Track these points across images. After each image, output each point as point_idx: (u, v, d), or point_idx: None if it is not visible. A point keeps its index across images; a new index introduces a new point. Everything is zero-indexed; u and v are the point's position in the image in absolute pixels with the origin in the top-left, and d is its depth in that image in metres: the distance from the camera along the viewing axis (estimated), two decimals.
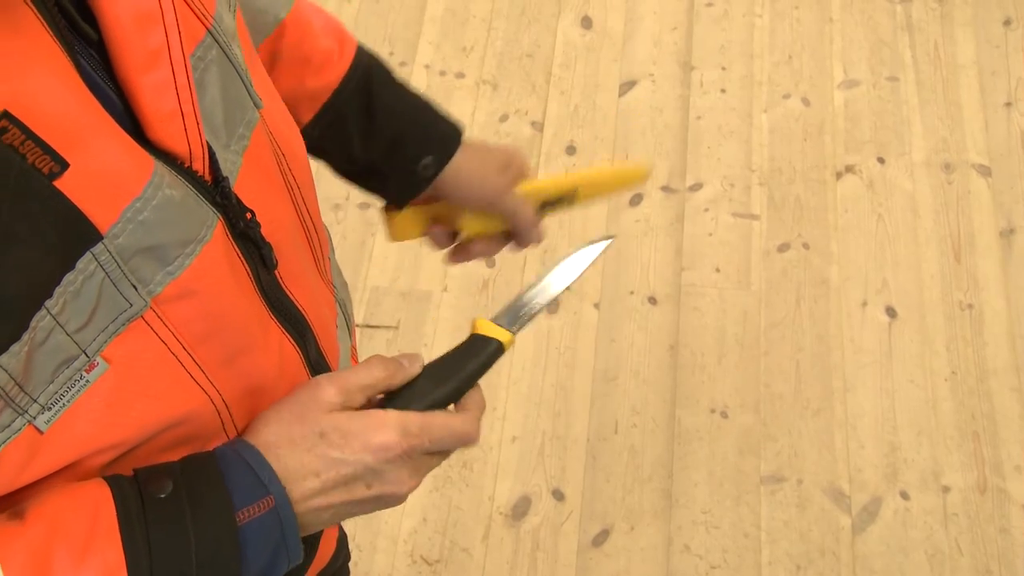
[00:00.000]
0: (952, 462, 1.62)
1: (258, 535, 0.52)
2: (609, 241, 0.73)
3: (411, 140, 0.76)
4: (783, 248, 1.82)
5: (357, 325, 1.74)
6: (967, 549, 1.55)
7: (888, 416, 1.66)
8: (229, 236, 0.54)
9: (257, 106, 0.59)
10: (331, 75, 0.76)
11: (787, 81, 2.01)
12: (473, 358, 0.62)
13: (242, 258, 0.55)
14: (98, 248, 0.46)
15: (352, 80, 0.76)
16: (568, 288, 0.69)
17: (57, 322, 0.45)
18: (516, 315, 0.66)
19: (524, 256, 1.81)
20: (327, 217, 1.85)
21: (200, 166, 0.52)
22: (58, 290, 0.45)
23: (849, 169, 1.91)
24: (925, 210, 1.86)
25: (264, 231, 0.58)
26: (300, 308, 0.63)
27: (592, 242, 0.71)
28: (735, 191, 1.88)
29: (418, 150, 0.76)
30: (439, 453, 0.61)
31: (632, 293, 1.78)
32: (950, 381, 1.69)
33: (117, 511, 0.49)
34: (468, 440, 0.61)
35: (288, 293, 0.61)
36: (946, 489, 1.60)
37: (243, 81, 0.58)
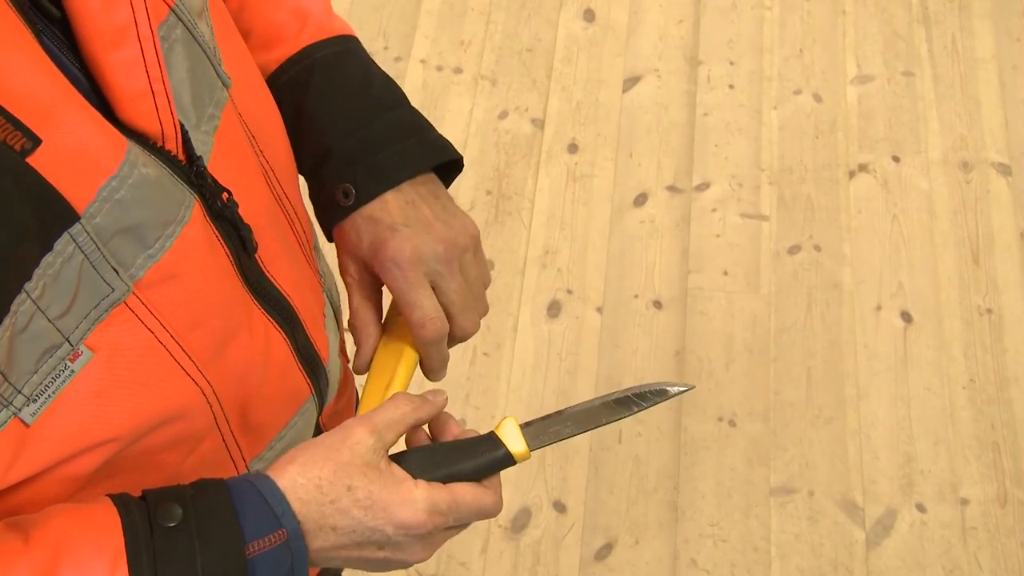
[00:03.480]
0: (971, 473, 1.61)
1: (268, 567, 0.52)
2: (687, 388, 0.66)
3: (337, 159, 0.67)
4: (794, 250, 1.82)
5: None
6: (987, 564, 1.54)
7: (903, 425, 1.65)
8: (207, 217, 0.54)
9: (225, 85, 0.59)
10: (267, 56, 0.69)
11: (798, 76, 2.02)
12: (477, 458, 0.61)
13: (221, 240, 0.55)
14: (75, 228, 0.46)
15: (290, 71, 0.70)
16: (613, 422, 0.64)
17: (38, 307, 0.45)
18: (545, 430, 0.63)
19: (524, 258, 1.80)
20: None
21: (173, 146, 0.52)
22: (37, 272, 0.45)
23: (863, 168, 1.91)
24: (942, 210, 1.86)
25: (241, 212, 0.57)
26: (284, 294, 0.62)
27: (666, 383, 0.65)
28: (744, 191, 1.88)
29: (341, 174, 0.67)
30: (458, 526, 0.61)
31: (636, 297, 1.77)
32: (968, 389, 1.68)
33: (125, 538, 0.49)
34: (493, 515, 0.60)
35: (270, 278, 0.61)
36: (964, 501, 1.59)
37: (210, 60, 0.57)
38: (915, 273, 1.79)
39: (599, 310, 1.75)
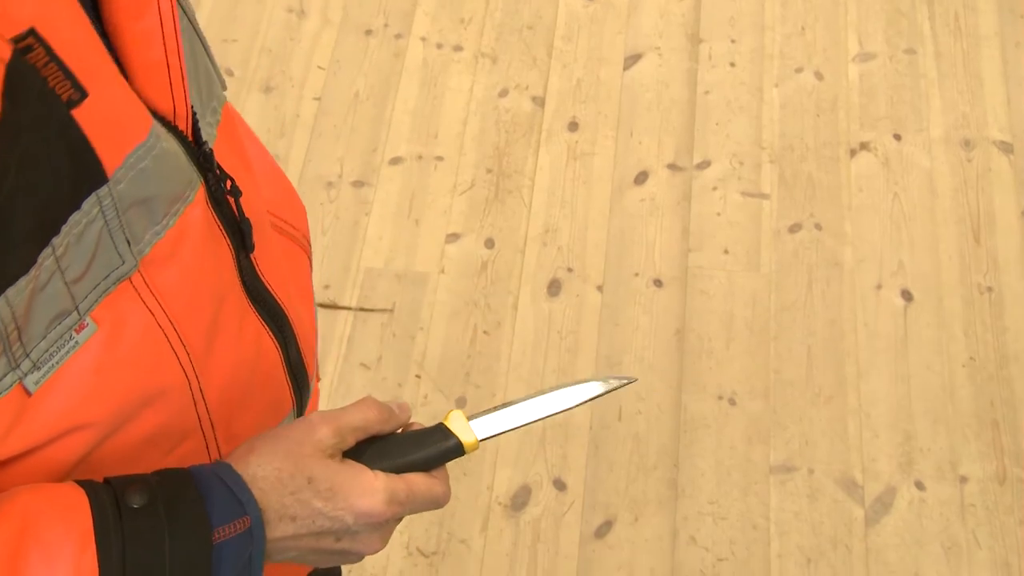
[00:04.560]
0: (970, 451, 1.61)
1: (231, 556, 0.51)
2: (629, 381, 0.68)
3: None
4: (794, 228, 1.81)
5: (350, 308, 1.73)
6: (985, 542, 1.53)
7: (903, 403, 1.64)
8: (209, 204, 0.54)
9: (223, 86, 0.60)
10: None
11: (799, 54, 2.00)
12: (428, 448, 0.62)
13: (222, 229, 0.55)
14: (103, 191, 0.46)
15: None
16: (559, 413, 0.65)
17: (59, 265, 0.45)
18: (493, 422, 0.64)
19: (524, 237, 1.80)
20: (319, 195, 1.83)
21: (184, 125, 0.52)
22: (64, 229, 0.45)
23: (864, 146, 1.90)
24: (943, 189, 1.85)
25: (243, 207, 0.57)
26: (279, 301, 0.62)
27: (610, 376, 0.67)
28: (744, 169, 1.87)
29: None
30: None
31: (637, 275, 1.76)
32: (968, 367, 1.67)
33: (93, 517, 0.48)
34: (442, 505, 0.62)
35: (266, 283, 0.61)
36: (963, 479, 1.58)
37: (211, 58, 0.58)
38: (916, 251, 1.78)
39: (599, 288, 1.74)
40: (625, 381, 0.67)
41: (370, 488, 0.56)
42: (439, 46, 1.99)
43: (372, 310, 1.71)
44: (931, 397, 1.65)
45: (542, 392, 0.65)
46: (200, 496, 0.51)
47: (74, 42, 0.44)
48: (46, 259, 0.44)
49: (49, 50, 0.43)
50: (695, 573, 1.51)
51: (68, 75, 0.43)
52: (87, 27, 0.46)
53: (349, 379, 1.64)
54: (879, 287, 1.75)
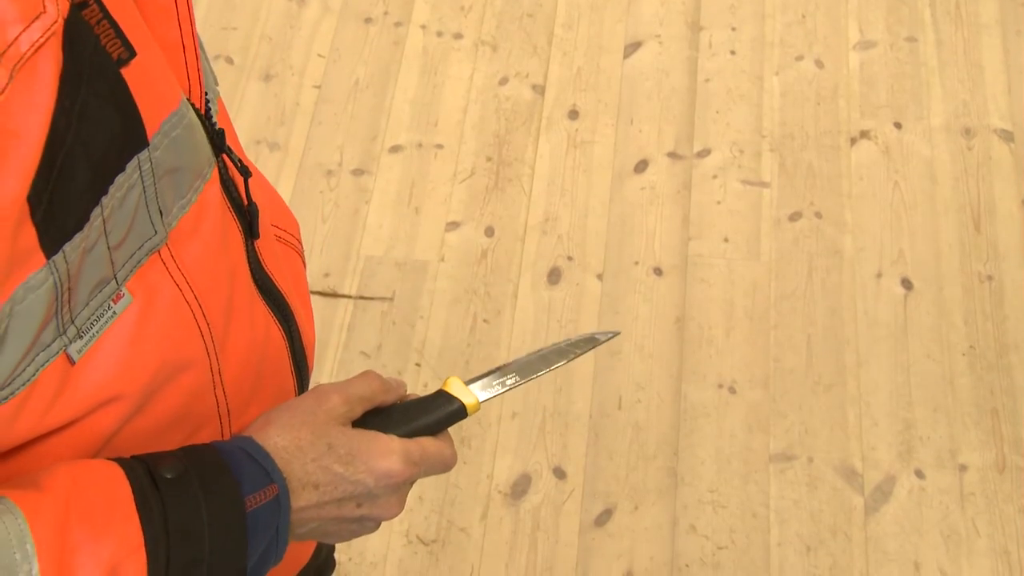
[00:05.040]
0: (970, 440, 1.61)
1: (261, 524, 0.52)
2: (614, 335, 0.72)
3: None
4: (795, 217, 1.81)
5: (350, 296, 1.72)
6: (984, 530, 1.53)
7: (903, 392, 1.64)
8: (220, 183, 0.55)
9: (215, 82, 0.61)
10: None
11: (800, 42, 1.99)
12: (433, 413, 0.64)
13: (232, 212, 0.56)
14: (143, 155, 0.46)
15: None
16: (552, 370, 0.68)
17: (105, 228, 0.45)
18: (490, 383, 0.66)
19: (524, 225, 1.80)
20: (319, 184, 1.83)
21: (198, 102, 0.53)
22: (111, 190, 0.45)
23: (864, 134, 1.89)
24: (944, 177, 1.85)
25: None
26: (282, 293, 0.63)
27: (596, 332, 0.71)
28: (745, 157, 1.86)
29: None
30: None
31: (637, 263, 1.76)
32: (968, 356, 1.67)
33: (132, 488, 0.49)
34: (451, 466, 0.64)
35: (268, 272, 0.61)
36: (963, 468, 1.58)
37: (204, 54, 0.58)
38: (916, 240, 1.78)
39: (599, 277, 1.74)
40: (611, 335, 0.71)
41: (387, 449, 0.58)
42: (439, 34, 1.99)
43: (372, 298, 1.71)
44: (931, 385, 1.65)
45: (533, 352, 0.68)
46: (228, 466, 0.52)
47: (122, 3, 0.45)
48: (96, 219, 0.45)
49: (102, 7, 0.44)
50: (695, 561, 1.51)
51: (119, 33, 0.44)
52: None
53: (349, 367, 1.64)
54: (879, 275, 1.75)
